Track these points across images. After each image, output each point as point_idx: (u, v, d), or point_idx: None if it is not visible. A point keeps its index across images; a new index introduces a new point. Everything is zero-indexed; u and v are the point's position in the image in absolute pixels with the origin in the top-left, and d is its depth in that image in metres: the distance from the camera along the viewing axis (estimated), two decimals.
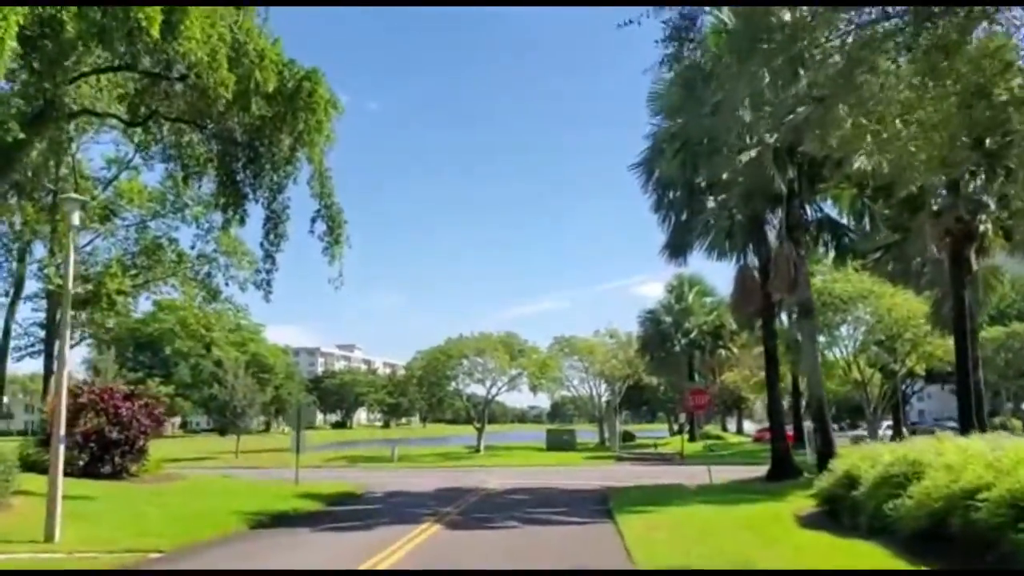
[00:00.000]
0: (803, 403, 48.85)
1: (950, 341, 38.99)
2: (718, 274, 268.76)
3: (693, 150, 24.77)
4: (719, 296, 65.52)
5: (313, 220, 21.41)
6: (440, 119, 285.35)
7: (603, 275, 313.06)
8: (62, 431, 15.30)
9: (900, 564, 12.38)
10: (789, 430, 70.59)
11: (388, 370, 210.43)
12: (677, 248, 30.17)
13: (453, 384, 58.93)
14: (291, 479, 30.15)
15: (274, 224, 20.99)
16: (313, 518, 20.82)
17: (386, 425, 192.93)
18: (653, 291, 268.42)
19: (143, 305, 30.47)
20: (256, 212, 22.23)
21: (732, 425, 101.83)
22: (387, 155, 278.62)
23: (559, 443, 60.39)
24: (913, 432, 57.49)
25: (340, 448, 79.60)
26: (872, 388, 52.31)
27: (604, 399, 70.53)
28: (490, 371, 57.37)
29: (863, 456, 17.74)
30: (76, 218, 15.66)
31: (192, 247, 29.25)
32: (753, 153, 22.92)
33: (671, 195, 29.28)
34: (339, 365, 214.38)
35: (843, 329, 47.60)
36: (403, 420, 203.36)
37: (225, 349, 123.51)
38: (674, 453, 54.52)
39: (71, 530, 15.65)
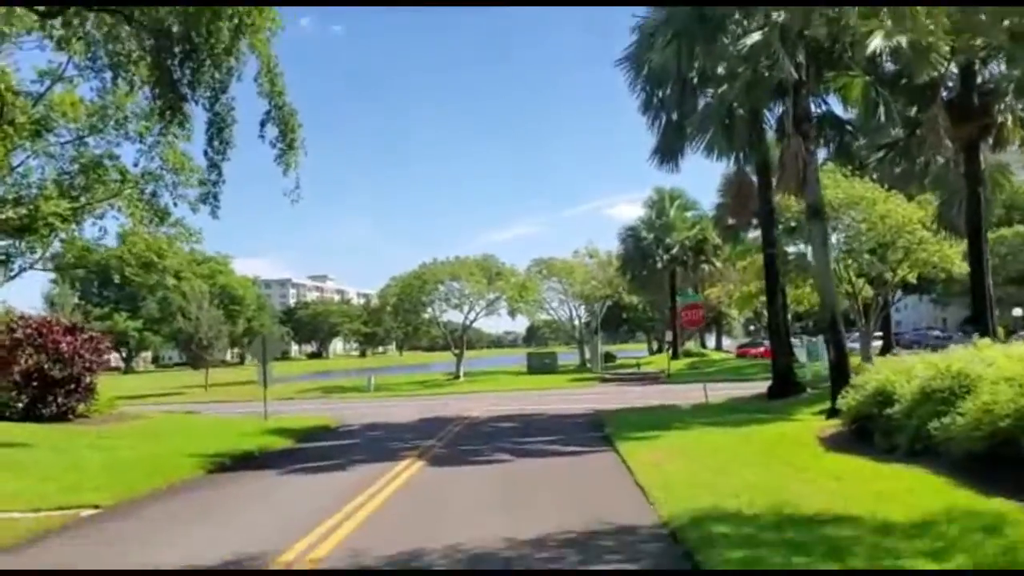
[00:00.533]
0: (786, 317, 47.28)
1: (947, 247, 37.29)
2: (702, 185, 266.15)
3: (689, 36, 22.18)
4: (701, 210, 63.65)
5: (263, 123, 18.67)
6: (405, 38, 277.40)
7: (575, 198, 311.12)
8: None
9: (967, 493, 10.40)
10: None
11: (362, 300, 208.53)
12: (668, 151, 27.74)
13: (429, 311, 56.58)
14: (261, 414, 28.05)
15: (218, 129, 18.26)
16: (281, 457, 18.71)
17: (363, 355, 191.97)
18: (626, 212, 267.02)
19: (90, 232, 27.52)
20: (199, 118, 19.61)
21: (711, 342, 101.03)
22: (353, 80, 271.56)
23: (540, 366, 58.70)
24: (897, 344, 56.46)
25: (315, 379, 77.77)
26: (862, 299, 50.72)
27: (584, 320, 68.86)
28: (467, 296, 55.08)
29: (896, 370, 15.78)
30: None
31: (135, 165, 26.37)
32: (758, 36, 20.37)
33: (662, 92, 26.73)
34: (312, 296, 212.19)
35: (834, 238, 45.69)
36: (380, 349, 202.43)
37: (191, 281, 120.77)
38: (658, 372, 53.08)
39: None
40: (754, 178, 29.21)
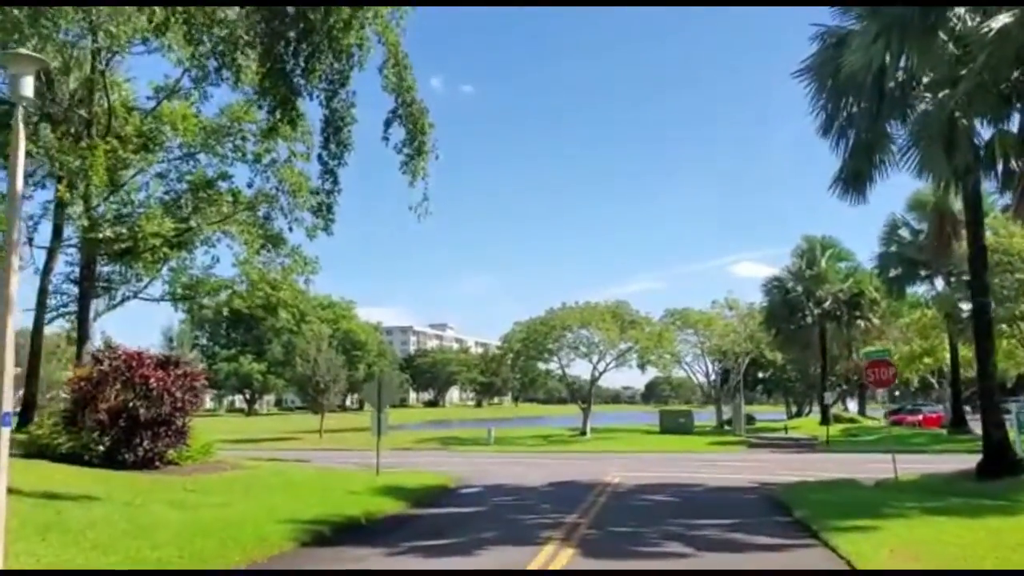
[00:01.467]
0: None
1: None
2: (859, 234, 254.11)
3: (901, 30, 18.05)
4: (855, 261, 58.02)
5: (387, 123, 15.59)
6: (526, 101, 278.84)
7: (695, 255, 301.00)
8: (6, 401, 9.85)
9: None
10: (930, 410, 62.95)
11: (480, 349, 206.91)
12: (854, 178, 23.34)
13: (555, 360, 52.55)
14: (373, 465, 24.82)
15: (335, 128, 15.30)
16: (391, 527, 15.20)
17: (478, 404, 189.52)
18: (748, 270, 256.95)
19: (202, 260, 25.24)
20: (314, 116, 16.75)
21: (851, 406, 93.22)
22: (478, 139, 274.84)
23: (674, 425, 53.94)
24: None
25: (432, 428, 74.97)
26: None
27: (718, 377, 63.65)
28: (596, 344, 51.08)
29: None
30: (27, 87, 10.20)
31: (249, 186, 23.98)
32: (1007, 18, 16.03)
33: (850, 108, 22.51)
34: (431, 344, 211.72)
35: None
36: (495, 399, 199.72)
37: (313, 324, 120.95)
38: (810, 438, 47.57)
39: (30, 548, 10.40)
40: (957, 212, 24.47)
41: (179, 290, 26.15)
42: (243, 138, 24.32)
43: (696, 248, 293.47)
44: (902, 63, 19.93)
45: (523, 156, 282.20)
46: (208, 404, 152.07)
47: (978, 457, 31.82)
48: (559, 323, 50.18)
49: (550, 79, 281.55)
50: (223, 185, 24.68)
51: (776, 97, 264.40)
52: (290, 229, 23.60)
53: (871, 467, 28.62)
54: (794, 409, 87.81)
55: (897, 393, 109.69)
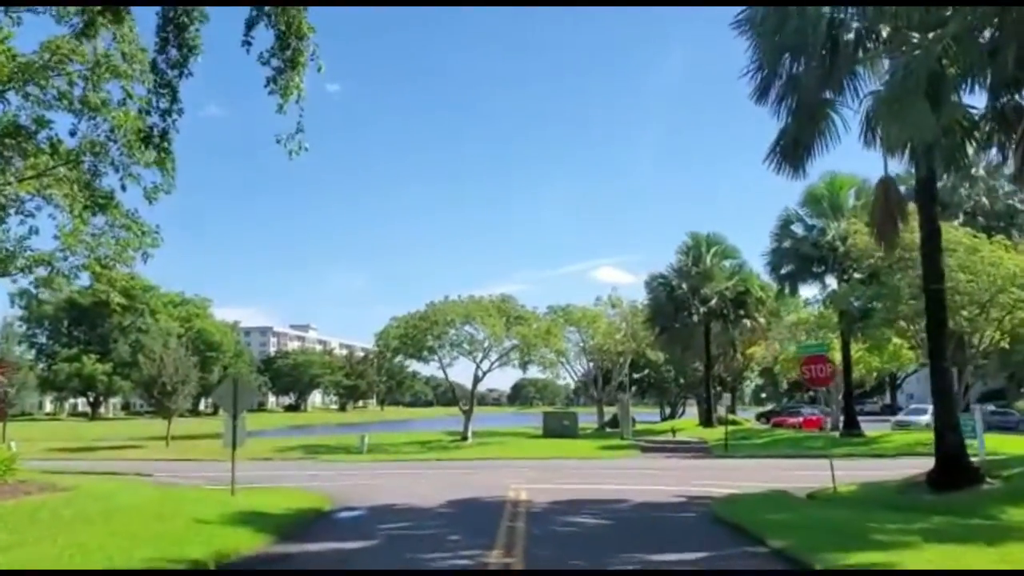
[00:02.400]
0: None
1: None
2: (744, 232, 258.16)
3: None
4: (740, 258, 56.49)
5: (250, 23, 11.35)
6: (397, 95, 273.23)
7: (559, 259, 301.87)
8: None
9: None
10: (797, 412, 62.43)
11: (345, 351, 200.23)
12: (793, 148, 20.57)
13: (435, 359, 48.24)
14: (227, 481, 20.28)
15: (176, 26, 11.03)
16: None
17: (342, 408, 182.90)
18: (609, 276, 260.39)
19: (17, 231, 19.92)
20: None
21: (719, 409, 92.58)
22: (349, 135, 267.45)
23: (559, 428, 50.75)
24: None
25: (294, 434, 69.50)
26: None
27: (599, 377, 61.08)
28: (480, 342, 47.28)
29: None
30: None
31: (72, 133, 18.94)
32: None
33: (796, 66, 19.66)
34: (293, 345, 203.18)
35: None
36: (360, 403, 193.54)
37: (162, 320, 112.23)
38: (699, 441, 45.49)
39: None
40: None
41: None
42: (70, 82, 19.28)
43: (559, 252, 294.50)
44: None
45: (395, 150, 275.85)
46: (48, 407, 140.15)
47: (898, 462, 29.94)
48: (441, 318, 46.04)
49: (422, 71, 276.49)
50: (41, 136, 19.50)
51: (645, 96, 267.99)
52: (123, 187, 18.65)
53: (792, 475, 26.23)
54: (667, 410, 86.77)
55: (764, 395, 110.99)
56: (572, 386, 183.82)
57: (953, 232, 37.58)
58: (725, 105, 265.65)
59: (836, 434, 45.43)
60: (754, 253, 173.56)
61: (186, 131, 12.25)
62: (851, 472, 27.00)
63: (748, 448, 39.64)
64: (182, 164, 18.41)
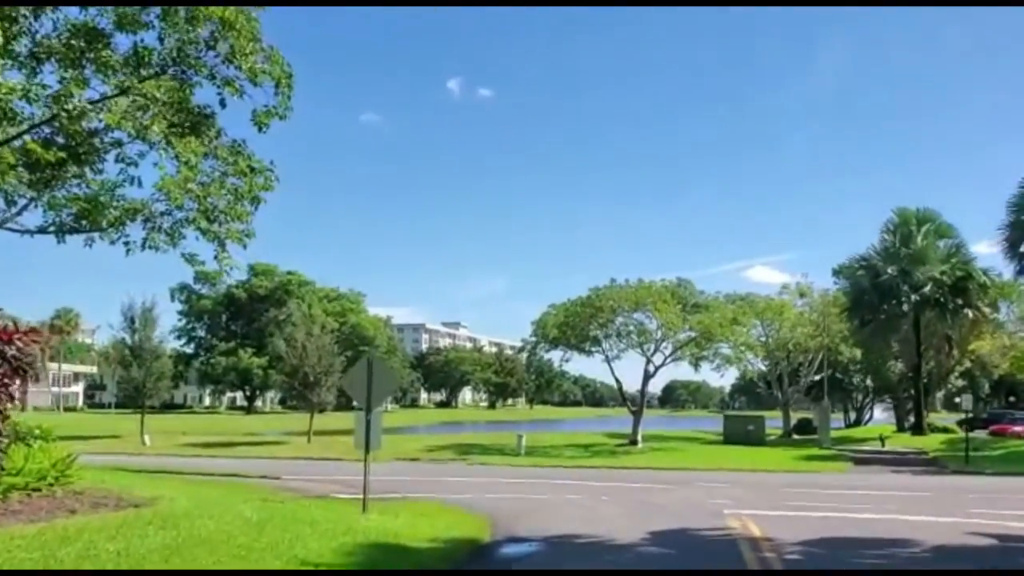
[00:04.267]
0: None
1: None
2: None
3: None
4: (959, 238, 47.97)
5: None
6: (543, 102, 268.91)
7: (710, 259, 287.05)
8: None
9: None
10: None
11: (494, 349, 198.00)
12: None
13: (599, 350, 42.35)
14: (359, 492, 15.49)
15: None
16: None
17: (492, 406, 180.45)
18: (761, 275, 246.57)
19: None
20: None
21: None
22: (500, 142, 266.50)
23: (742, 434, 44.18)
24: None
25: (445, 431, 65.76)
26: None
27: (785, 376, 53.70)
28: (652, 332, 41.12)
29: None
30: None
31: (161, 39, 14.54)
32: None
33: None
34: (444, 343, 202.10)
35: None
36: (509, 401, 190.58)
37: (304, 307, 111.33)
38: (917, 452, 38.02)
39: None
40: None
41: (65, 217, 16.68)
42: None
43: (710, 252, 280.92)
44: None
45: (539, 156, 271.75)
46: (207, 400, 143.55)
47: None
48: (607, 304, 40.16)
49: (568, 80, 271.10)
50: (123, 43, 15.14)
51: (789, 98, 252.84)
52: (222, 104, 14.15)
53: None
54: (852, 415, 77.89)
55: (958, 399, 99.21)
56: (727, 389, 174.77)
57: None
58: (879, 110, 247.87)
59: None
60: (971, 233, 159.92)
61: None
62: None
63: (991, 463, 32.01)
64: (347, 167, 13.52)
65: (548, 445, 41.23)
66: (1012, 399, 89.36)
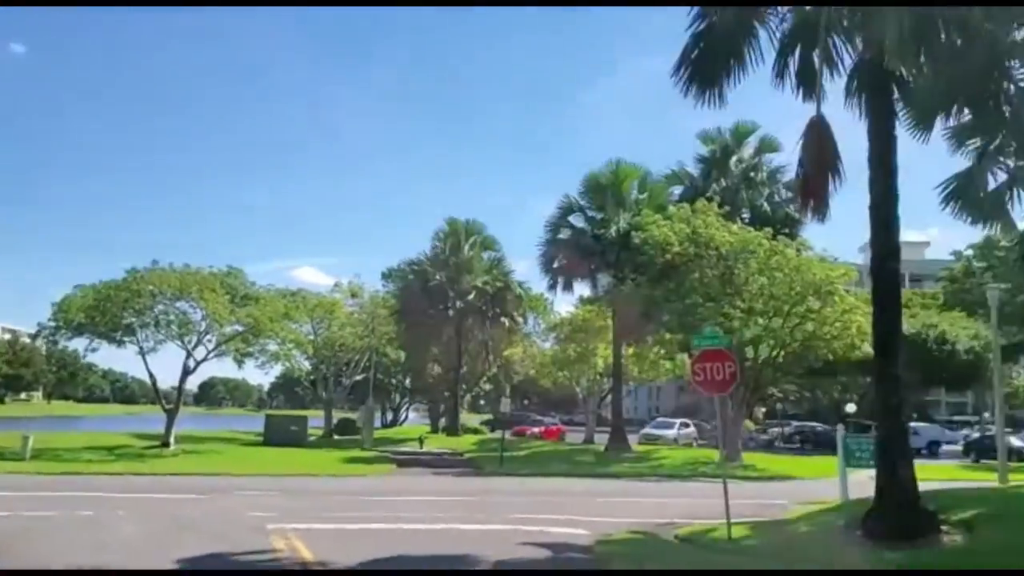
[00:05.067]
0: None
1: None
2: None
3: None
4: (500, 251, 51.34)
5: None
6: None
7: (258, 255, 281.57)
8: None
9: None
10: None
11: (7, 335, 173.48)
12: (711, 66, 15.13)
13: (133, 341, 37.50)
14: None
15: None
16: None
17: (1, 400, 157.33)
18: (308, 276, 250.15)
19: None
20: None
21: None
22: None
23: (284, 435, 42.22)
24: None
25: None
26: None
27: (330, 375, 53.05)
28: (195, 323, 37.34)
29: None
30: None
31: None
32: None
33: None
34: None
35: None
36: (23, 395, 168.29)
37: None
38: (452, 453, 39.36)
39: None
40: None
41: None
42: None
43: (260, 247, 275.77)
44: None
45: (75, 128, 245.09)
46: None
47: (708, 488, 25.59)
48: (146, 288, 35.60)
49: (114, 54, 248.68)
50: None
51: (352, 94, 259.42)
52: None
53: (611, 504, 20.94)
54: (389, 415, 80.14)
55: (483, 402, 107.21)
56: (266, 387, 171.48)
57: (751, 232, 34.74)
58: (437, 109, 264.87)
59: (596, 447, 41.38)
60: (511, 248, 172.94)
61: None
62: (680, 501, 22.35)
63: (520, 464, 33.97)
64: None
65: (63, 447, 35.59)
66: (526, 402, 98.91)
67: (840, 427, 20.41)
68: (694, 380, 16.15)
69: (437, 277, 47.41)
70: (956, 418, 68.23)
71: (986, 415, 63.49)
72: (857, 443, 18.88)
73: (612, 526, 16.23)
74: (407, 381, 68.94)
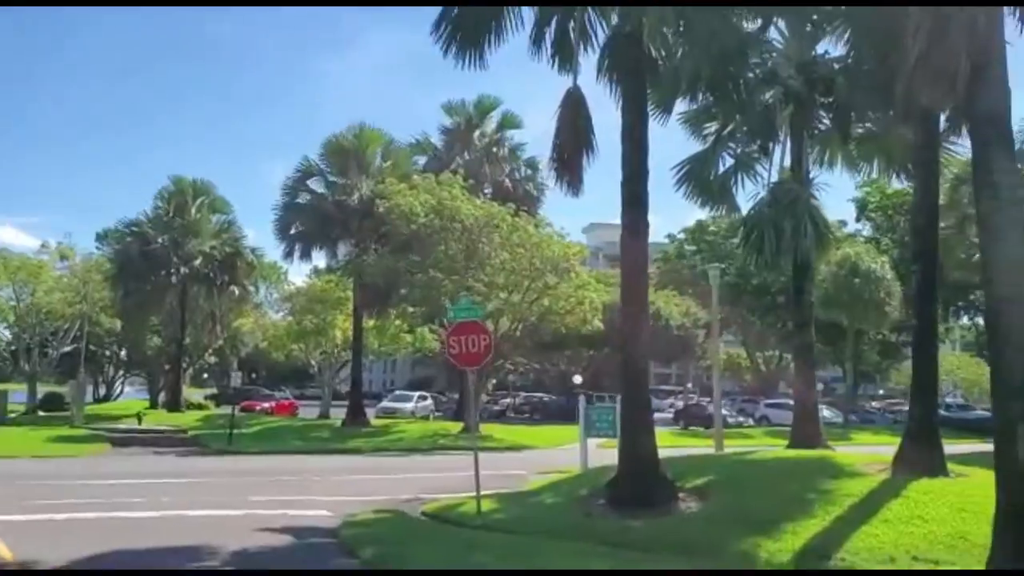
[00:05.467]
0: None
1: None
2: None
3: None
4: (232, 214, 48.32)
5: None
6: None
7: None
8: None
9: None
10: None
11: None
12: (472, 23, 14.76)
13: None
14: None
15: None
16: None
17: None
18: (10, 236, 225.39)
19: None
20: None
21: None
22: None
23: None
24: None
25: None
26: None
27: (35, 345, 47.64)
28: None
29: None
30: None
31: None
32: None
33: None
34: None
35: None
36: None
37: None
38: (176, 429, 36.71)
39: None
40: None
41: None
42: None
43: None
44: None
45: None
46: None
47: (459, 461, 25.91)
48: None
49: None
50: None
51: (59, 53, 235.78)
52: None
53: (356, 481, 20.26)
54: (103, 390, 73.67)
55: (206, 375, 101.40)
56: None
57: (496, 207, 35.07)
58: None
59: (333, 422, 40.20)
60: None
61: None
62: (423, 475, 22.12)
63: (251, 441, 32.19)
64: None
65: None
66: (254, 376, 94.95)
67: (582, 398, 21.02)
68: (448, 353, 15.65)
69: (160, 240, 43.78)
70: (662, 387, 73.38)
71: (689, 385, 69.12)
72: (598, 413, 19.55)
73: (356, 505, 15.47)
74: (123, 353, 63.53)
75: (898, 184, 35.75)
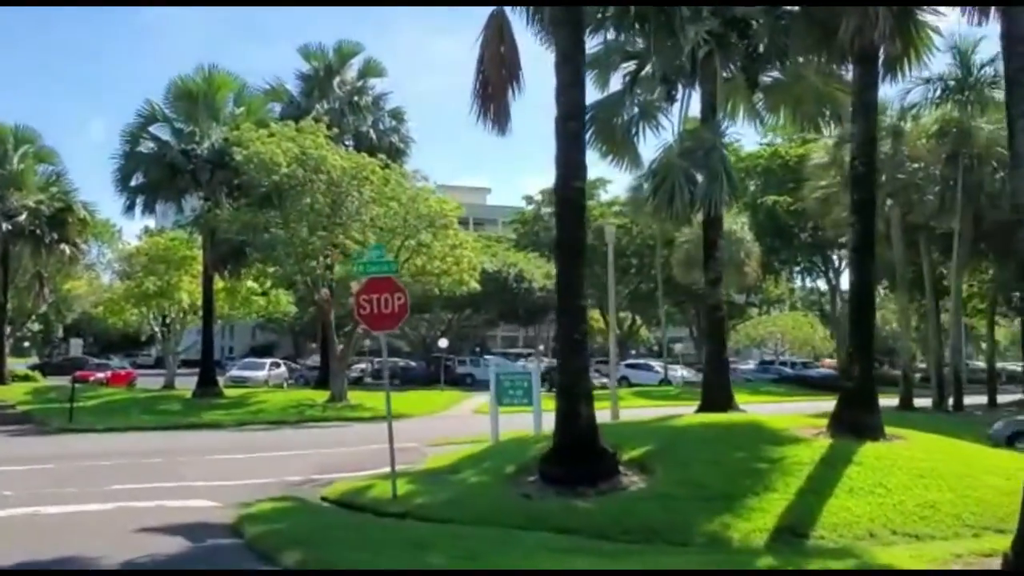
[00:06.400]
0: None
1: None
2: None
3: None
4: (60, 165, 43.16)
5: None
6: None
7: None
8: None
9: None
10: None
11: None
12: None
13: None
14: None
15: None
16: None
17: None
18: None
19: None
20: None
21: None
22: None
23: None
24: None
25: None
26: None
27: None
28: None
29: None
30: None
31: None
32: None
33: None
34: None
35: None
36: None
37: None
38: (6, 406, 32.48)
39: None
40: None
41: None
42: None
43: None
44: None
45: None
46: None
47: (341, 432, 24.12)
48: None
49: None
50: None
51: None
52: None
53: (231, 463, 17.93)
54: None
55: (27, 343, 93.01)
56: None
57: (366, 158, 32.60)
58: None
59: (181, 393, 36.76)
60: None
61: None
62: (306, 452, 19.97)
63: (94, 416, 28.63)
64: None
65: None
66: (83, 343, 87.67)
67: (493, 363, 19.35)
68: (358, 314, 13.51)
69: None
70: (511, 351, 72.81)
71: (540, 348, 68.73)
72: (511, 380, 17.80)
73: (242, 492, 13.27)
74: None
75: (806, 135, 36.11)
